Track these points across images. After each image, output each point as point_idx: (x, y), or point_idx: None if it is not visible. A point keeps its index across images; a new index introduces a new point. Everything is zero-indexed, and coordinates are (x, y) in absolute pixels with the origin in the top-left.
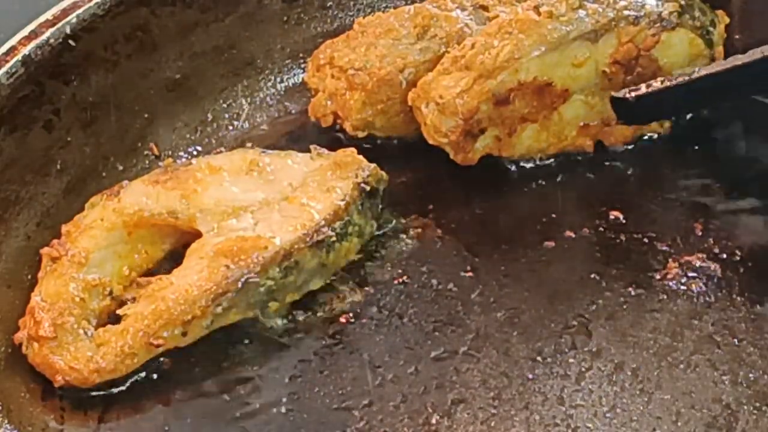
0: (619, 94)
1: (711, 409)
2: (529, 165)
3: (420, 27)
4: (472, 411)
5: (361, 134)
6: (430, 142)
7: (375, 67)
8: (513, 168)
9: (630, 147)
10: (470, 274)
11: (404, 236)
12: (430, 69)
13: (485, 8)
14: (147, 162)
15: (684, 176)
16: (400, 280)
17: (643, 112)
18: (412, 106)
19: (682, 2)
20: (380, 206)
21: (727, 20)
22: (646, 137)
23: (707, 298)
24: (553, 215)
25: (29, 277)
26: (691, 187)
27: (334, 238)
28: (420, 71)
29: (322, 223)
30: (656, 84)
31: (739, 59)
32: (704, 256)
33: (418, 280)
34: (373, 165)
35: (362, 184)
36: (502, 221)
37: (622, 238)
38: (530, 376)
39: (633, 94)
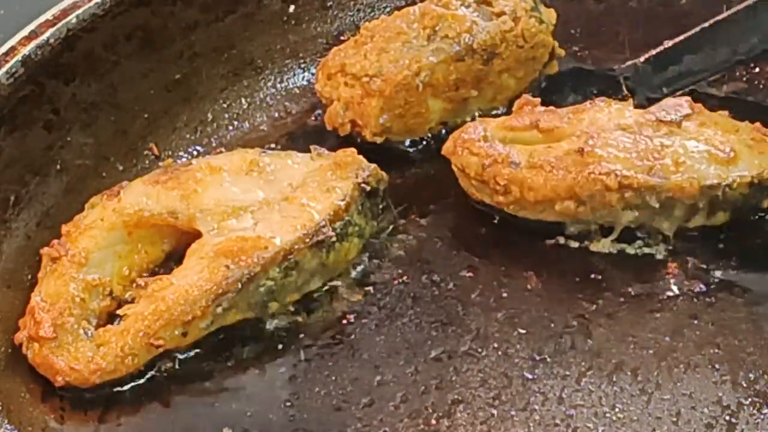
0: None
1: (711, 409)
2: None
3: (429, 28)
4: (472, 411)
5: (379, 140)
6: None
7: (390, 72)
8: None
9: None
10: (470, 274)
11: (404, 236)
12: (444, 70)
13: (488, 3)
14: (147, 162)
15: None
16: (400, 280)
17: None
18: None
19: None
20: (380, 206)
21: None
22: None
23: (707, 298)
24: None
25: (29, 277)
26: None
27: (334, 239)
28: (435, 72)
29: (323, 223)
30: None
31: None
32: (704, 256)
33: (418, 280)
34: (373, 165)
35: (362, 184)
36: (502, 221)
37: (622, 237)
38: (530, 376)
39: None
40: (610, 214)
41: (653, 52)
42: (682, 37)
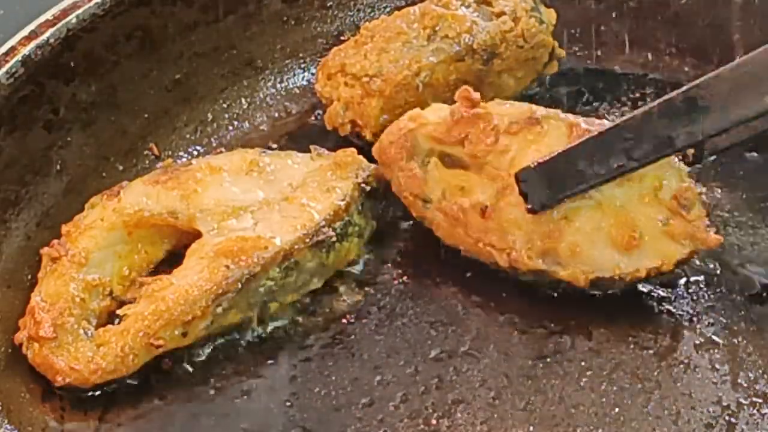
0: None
1: (710, 409)
2: None
3: (429, 28)
4: (472, 411)
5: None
6: None
7: (390, 72)
8: None
9: None
10: (470, 274)
11: (404, 236)
12: (444, 70)
13: (488, 3)
14: (147, 162)
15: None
16: (400, 280)
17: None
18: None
19: None
20: (380, 206)
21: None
22: None
23: (707, 298)
24: None
25: (29, 277)
26: None
27: (334, 239)
28: (435, 73)
29: (322, 223)
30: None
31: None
32: (704, 255)
33: (418, 280)
34: (373, 165)
35: (362, 184)
36: None
37: None
38: (530, 376)
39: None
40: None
41: (545, 158)
42: (574, 144)
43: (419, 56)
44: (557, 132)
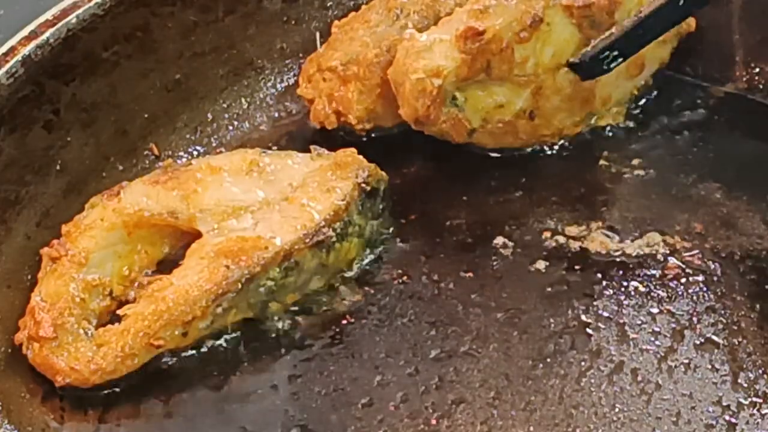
0: (574, 60)
1: (711, 409)
2: (529, 166)
3: (393, 10)
4: (472, 411)
5: (368, 126)
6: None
7: (361, 54)
8: (514, 168)
9: (630, 147)
10: (470, 274)
11: (404, 236)
12: None
13: None
14: (147, 162)
15: (684, 176)
16: (400, 280)
17: (599, 66)
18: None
19: None
20: (380, 206)
21: None
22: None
23: (707, 298)
24: (554, 216)
25: (29, 277)
26: (691, 187)
27: (334, 239)
28: None
29: (323, 223)
30: (605, 37)
31: None
32: (704, 255)
33: (418, 280)
34: (373, 165)
35: (362, 184)
36: (501, 221)
37: (623, 237)
38: (530, 376)
39: (587, 55)
40: None
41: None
42: (613, 37)
43: (388, 35)
44: (560, 21)
